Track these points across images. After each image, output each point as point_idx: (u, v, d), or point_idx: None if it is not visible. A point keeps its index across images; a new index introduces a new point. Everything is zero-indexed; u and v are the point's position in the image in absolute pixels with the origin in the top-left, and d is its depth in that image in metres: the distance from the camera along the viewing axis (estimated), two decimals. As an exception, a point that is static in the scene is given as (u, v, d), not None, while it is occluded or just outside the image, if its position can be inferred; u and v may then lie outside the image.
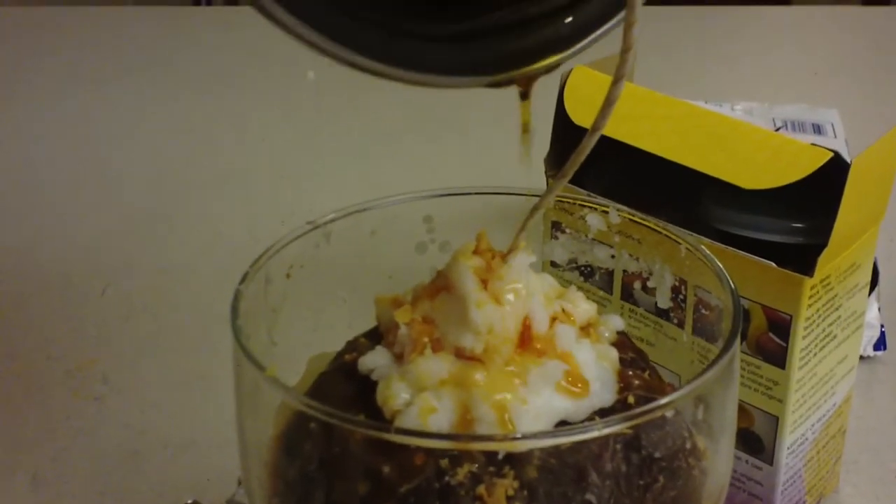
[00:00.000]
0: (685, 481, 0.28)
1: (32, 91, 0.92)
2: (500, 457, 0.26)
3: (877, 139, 0.36)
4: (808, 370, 0.38)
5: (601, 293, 0.39)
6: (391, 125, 0.83)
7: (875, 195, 0.38)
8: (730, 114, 0.62)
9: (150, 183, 0.75)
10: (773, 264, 0.36)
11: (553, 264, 0.38)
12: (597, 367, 0.29)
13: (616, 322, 0.31)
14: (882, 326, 0.53)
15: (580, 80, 0.41)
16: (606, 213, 0.34)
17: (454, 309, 0.28)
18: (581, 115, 0.41)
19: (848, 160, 0.35)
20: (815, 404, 0.39)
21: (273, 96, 0.90)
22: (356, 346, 0.31)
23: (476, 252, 0.29)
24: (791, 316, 0.36)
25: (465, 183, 0.35)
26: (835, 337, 0.38)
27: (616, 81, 0.26)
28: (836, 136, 0.61)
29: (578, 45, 0.27)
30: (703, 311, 0.33)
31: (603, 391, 0.29)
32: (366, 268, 0.35)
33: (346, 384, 0.29)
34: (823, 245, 0.35)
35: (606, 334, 0.31)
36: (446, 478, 0.26)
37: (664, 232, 0.33)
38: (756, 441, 0.39)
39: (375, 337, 0.31)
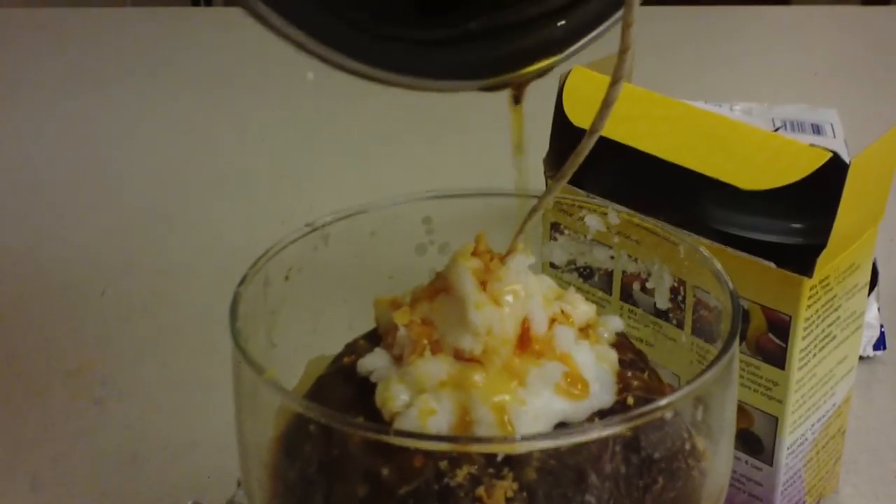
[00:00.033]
0: (685, 482, 0.28)
1: (32, 92, 0.92)
2: (500, 458, 0.26)
3: (876, 139, 0.36)
4: (808, 371, 0.38)
5: (600, 294, 0.39)
6: (391, 126, 0.83)
7: (874, 195, 0.38)
8: (729, 114, 0.62)
9: (149, 184, 0.75)
10: (773, 265, 0.36)
11: (552, 265, 0.38)
12: (596, 368, 0.29)
13: (615, 323, 0.31)
14: (881, 326, 0.53)
15: (579, 81, 0.41)
16: (605, 214, 0.34)
17: (453, 310, 0.28)
18: (580, 116, 0.41)
19: (847, 160, 0.35)
20: (815, 405, 0.39)
21: (273, 97, 0.90)
22: (355, 348, 0.31)
23: (475, 253, 0.29)
24: (790, 316, 0.36)
25: (465, 184, 0.35)
26: (834, 337, 0.38)
27: (614, 82, 0.26)
28: (835, 137, 0.61)
29: (570, 49, 0.27)
30: (703, 311, 0.33)
31: (602, 392, 0.29)
32: (365, 269, 0.35)
33: (345, 386, 0.29)
34: (822, 245, 0.35)
35: (605, 335, 0.31)
36: (445, 479, 0.26)
37: (663, 233, 0.33)
38: (756, 441, 0.39)
39: (374, 339, 0.31)
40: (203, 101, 0.89)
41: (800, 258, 0.35)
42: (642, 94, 0.40)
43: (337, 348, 0.32)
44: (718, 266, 0.31)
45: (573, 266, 0.37)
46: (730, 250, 0.36)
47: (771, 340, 0.37)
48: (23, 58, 0.99)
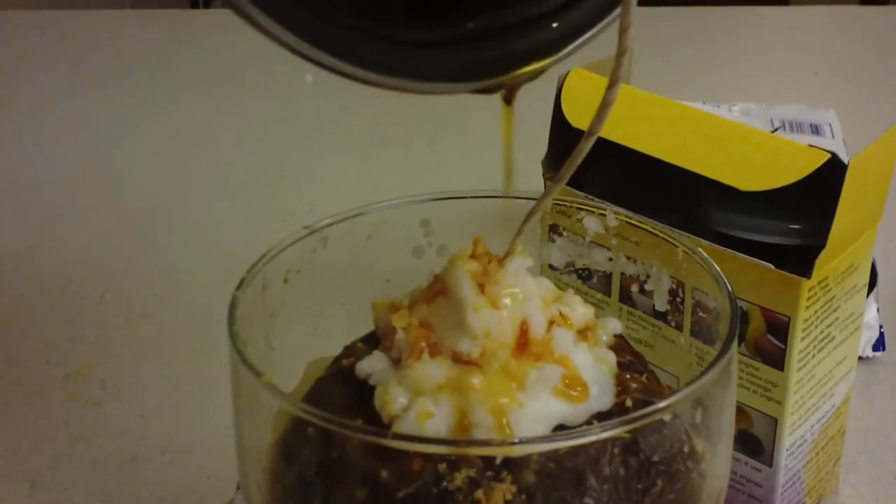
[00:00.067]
0: (684, 484, 0.28)
1: (32, 94, 0.92)
2: (498, 461, 0.26)
3: (875, 139, 0.36)
4: (807, 372, 0.38)
5: (599, 296, 0.39)
6: (390, 127, 0.83)
7: (873, 196, 0.37)
8: (727, 114, 0.62)
9: (149, 185, 0.75)
10: (771, 266, 0.36)
11: (551, 267, 0.38)
12: (594, 370, 0.29)
13: (614, 325, 0.31)
14: (881, 327, 0.53)
15: (578, 83, 0.41)
16: (604, 216, 0.34)
17: (451, 313, 0.28)
18: (578, 118, 0.41)
19: (846, 161, 0.35)
20: (814, 406, 0.39)
21: (272, 98, 0.90)
22: (354, 351, 0.31)
23: (473, 256, 0.29)
24: (789, 317, 0.36)
25: (465, 184, 0.35)
26: (833, 338, 0.38)
27: (612, 85, 0.26)
28: (833, 137, 0.61)
29: (565, 51, 0.27)
30: (701, 313, 0.33)
31: (601, 395, 0.29)
32: (363, 272, 0.35)
33: (343, 389, 0.29)
34: (821, 246, 0.35)
35: (604, 337, 0.31)
36: (444, 482, 0.26)
37: (661, 234, 0.33)
38: (755, 443, 0.38)
39: (373, 341, 0.31)
40: (202, 103, 0.89)
41: (798, 259, 0.35)
42: (641, 96, 0.40)
43: (335, 351, 0.32)
44: (716, 268, 0.31)
45: (572, 268, 0.37)
46: (728, 251, 0.36)
47: (770, 341, 0.37)
48: (23, 59, 0.99)
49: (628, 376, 0.30)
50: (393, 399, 0.27)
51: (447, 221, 0.34)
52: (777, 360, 0.37)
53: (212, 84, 0.94)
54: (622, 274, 0.36)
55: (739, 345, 0.37)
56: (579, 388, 0.28)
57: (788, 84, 0.91)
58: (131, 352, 0.55)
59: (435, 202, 0.34)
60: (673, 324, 0.35)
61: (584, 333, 0.30)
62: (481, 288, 0.28)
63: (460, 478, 0.26)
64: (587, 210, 0.35)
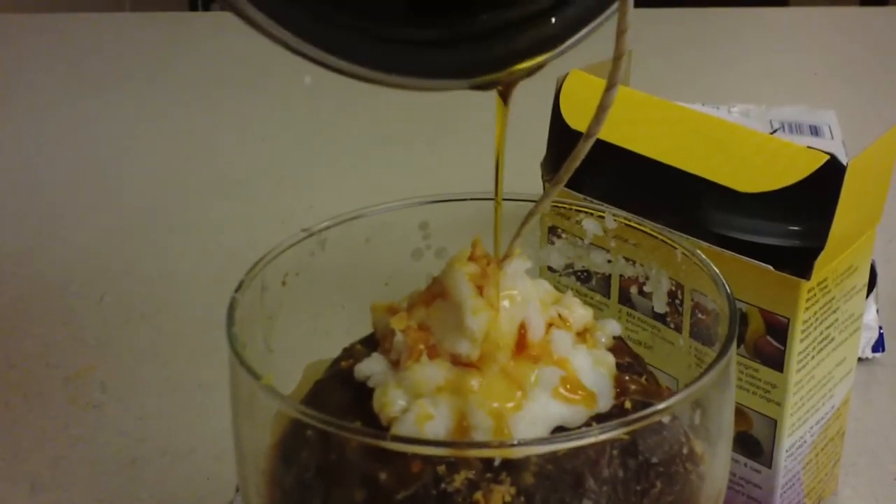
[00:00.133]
0: (682, 486, 0.28)
1: (33, 96, 0.92)
2: (497, 463, 0.26)
3: (874, 140, 0.36)
4: (806, 373, 0.38)
5: (598, 297, 0.39)
6: (390, 127, 0.83)
7: (872, 197, 0.38)
8: (727, 116, 0.62)
9: (149, 187, 0.75)
10: (771, 267, 0.36)
11: (550, 269, 0.38)
12: (593, 372, 0.29)
13: (612, 327, 0.31)
14: (880, 328, 0.53)
15: (576, 84, 0.41)
16: (602, 217, 0.34)
17: (450, 316, 0.28)
18: (577, 120, 0.41)
19: (845, 162, 0.35)
20: (814, 407, 0.39)
21: (271, 99, 0.90)
22: (352, 353, 0.31)
23: (471, 258, 0.29)
24: (788, 319, 0.36)
25: (464, 185, 0.35)
26: (832, 339, 0.38)
27: (610, 87, 0.26)
28: (833, 138, 0.61)
29: (563, 46, 0.27)
30: (700, 314, 0.33)
31: (600, 396, 0.29)
32: (362, 274, 0.35)
33: (342, 391, 0.29)
34: (820, 248, 0.35)
35: (603, 339, 0.31)
36: (443, 485, 0.26)
37: (660, 236, 0.33)
38: (755, 444, 0.38)
39: (372, 344, 0.31)
40: (202, 104, 0.89)
41: (798, 260, 0.35)
42: (639, 98, 0.40)
43: (334, 353, 0.32)
44: (715, 269, 0.31)
45: (571, 270, 0.37)
46: (727, 253, 0.36)
47: (769, 343, 0.37)
48: (23, 62, 0.99)
49: (627, 378, 0.30)
50: (392, 401, 0.27)
51: (446, 224, 0.34)
52: (776, 361, 0.37)
53: (211, 85, 0.94)
54: (621, 276, 0.36)
55: (739, 346, 0.37)
56: (585, 394, 0.28)
57: (788, 85, 0.91)
58: (131, 353, 0.55)
59: (433, 205, 0.34)
60: (672, 325, 0.35)
61: (582, 335, 0.30)
62: (480, 290, 0.28)
63: (459, 480, 0.26)
64: (586, 212, 0.35)
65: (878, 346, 0.52)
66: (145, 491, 0.45)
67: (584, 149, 0.27)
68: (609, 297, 0.39)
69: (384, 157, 0.78)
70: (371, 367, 0.29)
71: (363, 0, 0.25)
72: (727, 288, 0.30)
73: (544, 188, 0.42)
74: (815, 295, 0.36)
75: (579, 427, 0.28)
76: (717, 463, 0.29)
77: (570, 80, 0.42)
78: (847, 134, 0.62)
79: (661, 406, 0.26)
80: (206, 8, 2.13)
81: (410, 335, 0.28)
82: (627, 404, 0.29)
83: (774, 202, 0.36)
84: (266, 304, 0.31)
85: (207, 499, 0.44)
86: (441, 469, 0.26)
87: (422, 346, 0.28)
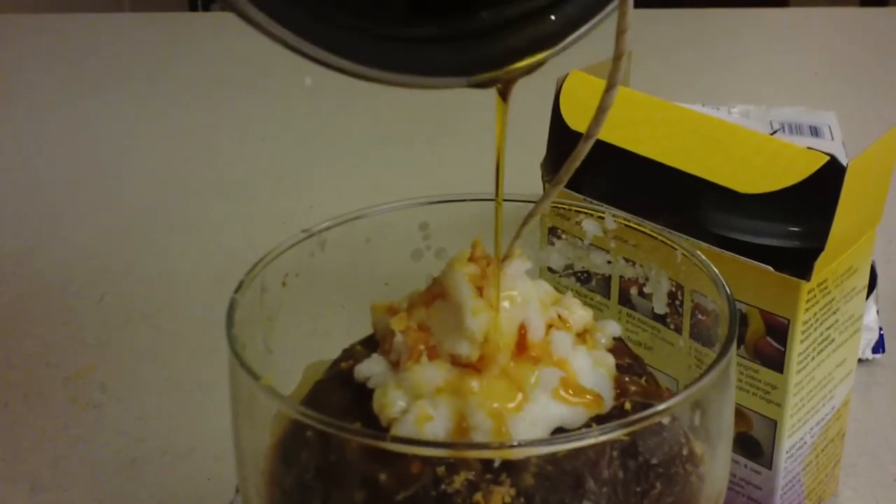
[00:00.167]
0: (682, 487, 0.28)
1: (32, 96, 0.92)
2: (497, 464, 0.26)
3: (874, 141, 0.36)
4: (806, 374, 0.38)
5: (598, 298, 0.39)
6: (390, 127, 0.83)
7: (872, 198, 0.37)
8: (727, 116, 0.62)
9: (149, 187, 0.75)
10: (771, 268, 0.36)
11: (550, 270, 0.38)
12: (593, 373, 0.29)
13: (612, 328, 0.31)
14: (880, 329, 0.53)
15: (576, 85, 0.41)
16: (602, 218, 0.34)
17: (450, 316, 0.28)
18: (577, 120, 0.41)
19: (845, 163, 0.35)
20: (814, 408, 0.39)
21: (271, 99, 0.90)
22: (352, 354, 0.31)
23: (471, 259, 0.29)
24: (788, 320, 0.36)
25: (464, 186, 0.35)
26: (833, 340, 0.38)
27: (609, 88, 0.26)
28: (833, 139, 0.61)
29: (563, 43, 0.27)
30: (700, 315, 0.33)
31: (599, 398, 0.29)
32: (362, 275, 0.35)
33: (342, 392, 0.29)
34: (820, 249, 0.35)
35: (603, 340, 0.31)
36: (443, 486, 0.26)
37: (660, 237, 0.33)
38: (755, 445, 0.38)
39: (372, 344, 0.31)
40: (202, 105, 0.89)
41: (798, 261, 0.35)
42: (639, 98, 0.40)
43: (334, 354, 0.32)
44: (715, 270, 0.31)
45: (571, 270, 0.37)
46: (727, 254, 0.36)
47: (769, 344, 0.37)
48: (23, 62, 0.99)
49: (627, 379, 0.30)
50: (391, 402, 0.27)
51: (446, 224, 0.34)
52: (776, 362, 0.37)
53: (211, 86, 0.94)
54: (621, 277, 0.36)
55: (739, 347, 0.37)
56: (593, 397, 0.28)
57: (788, 86, 0.91)
58: (131, 354, 0.55)
59: (433, 205, 0.34)
60: (672, 326, 0.35)
61: (582, 336, 0.30)
62: (480, 291, 0.28)
63: (459, 481, 0.25)
64: (586, 213, 0.35)
65: (879, 347, 0.52)
66: (145, 491, 0.45)
67: (583, 149, 0.27)
68: (609, 298, 0.39)
69: (384, 157, 0.78)
70: (371, 368, 0.29)
71: (364, 0, 0.25)
72: (727, 289, 0.30)
73: (544, 188, 0.42)
74: (815, 296, 0.36)
75: (579, 428, 0.28)
76: (717, 464, 0.29)
77: (570, 80, 0.42)
78: (847, 135, 0.62)
79: (660, 407, 0.26)
80: (206, 8, 2.13)
81: (410, 336, 0.28)
82: (627, 405, 0.29)
83: (774, 203, 0.36)
84: (266, 304, 0.31)
85: (207, 499, 0.44)
86: (441, 470, 0.26)
87: (422, 347, 0.28)
